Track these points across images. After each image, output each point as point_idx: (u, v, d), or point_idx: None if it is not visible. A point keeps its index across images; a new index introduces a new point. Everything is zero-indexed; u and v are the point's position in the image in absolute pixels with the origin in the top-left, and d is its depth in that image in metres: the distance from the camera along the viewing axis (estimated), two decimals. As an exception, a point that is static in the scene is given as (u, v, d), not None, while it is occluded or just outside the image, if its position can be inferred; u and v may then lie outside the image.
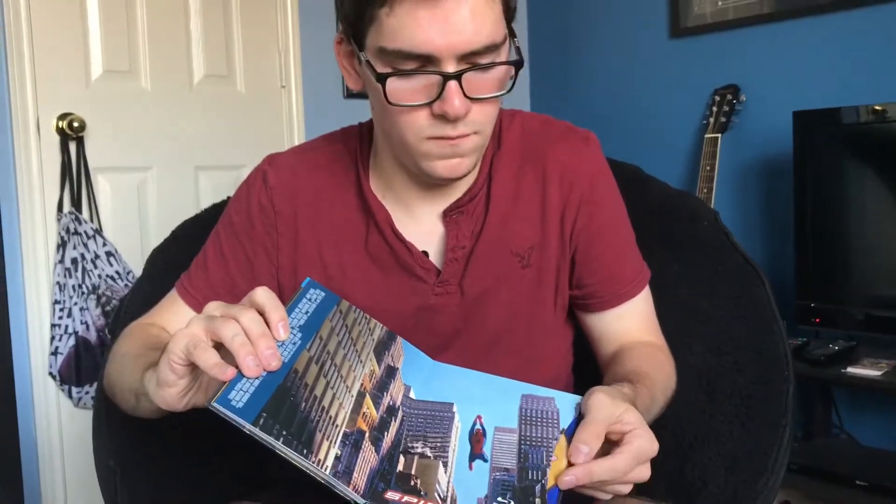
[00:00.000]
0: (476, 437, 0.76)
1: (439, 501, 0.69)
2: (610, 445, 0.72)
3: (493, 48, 0.78)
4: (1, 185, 2.03)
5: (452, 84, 0.77)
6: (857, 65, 2.18)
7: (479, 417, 0.78)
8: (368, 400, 0.74)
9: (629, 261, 1.00)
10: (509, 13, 0.81)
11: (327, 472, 0.64)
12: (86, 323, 2.08)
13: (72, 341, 2.07)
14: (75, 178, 2.11)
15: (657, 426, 0.78)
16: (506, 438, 0.76)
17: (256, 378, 0.65)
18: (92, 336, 2.09)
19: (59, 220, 2.09)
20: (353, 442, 0.69)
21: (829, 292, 2.05)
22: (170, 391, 0.70)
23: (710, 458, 1.02)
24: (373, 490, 0.67)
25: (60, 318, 2.07)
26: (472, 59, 0.78)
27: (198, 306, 0.95)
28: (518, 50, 0.83)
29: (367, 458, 0.69)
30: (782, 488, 1.81)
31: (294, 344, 0.70)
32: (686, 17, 2.56)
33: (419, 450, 0.74)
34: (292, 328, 0.70)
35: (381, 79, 0.78)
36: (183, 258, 1.03)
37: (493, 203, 0.94)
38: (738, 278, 1.12)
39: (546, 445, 0.74)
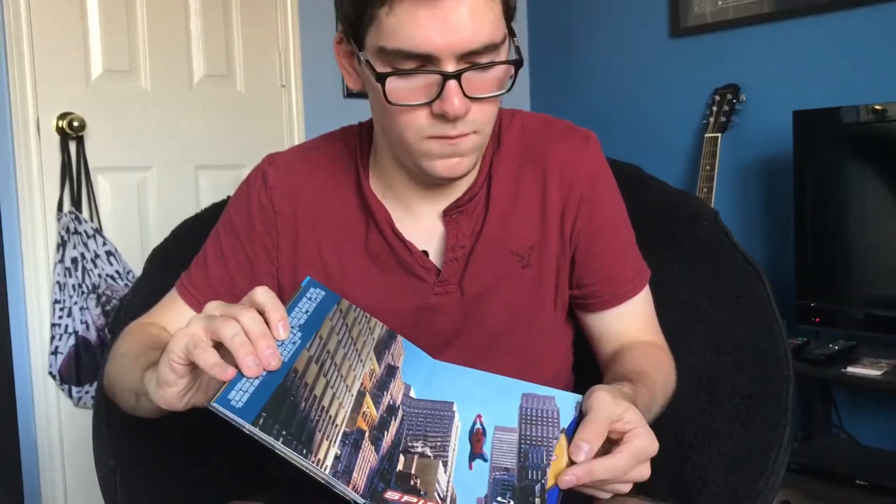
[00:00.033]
0: (476, 437, 0.76)
1: (439, 501, 0.69)
2: (610, 444, 0.72)
3: (492, 47, 0.78)
4: (1, 185, 2.03)
5: (452, 83, 0.77)
6: (857, 64, 2.18)
7: (479, 417, 0.78)
8: (368, 399, 0.74)
9: (629, 260, 1.00)
10: (509, 13, 0.81)
11: (327, 471, 0.64)
12: (86, 322, 2.08)
13: (72, 341, 2.07)
14: (75, 177, 2.11)
15: (657, 425, 0.78)
16: (506, 438, 0.76)
17: (256, 378, 0.65)
18: (92, 335, 2.09)
19: (59, 219, 2.09)
20: (352, 441, 0.69)
21: (829, 292, 2.05)
22: (170, 391, 0.70)
23: (710, 458, 1.02)
24: (373, 490, 0.67)
25: (60, 317, 2.07)
26: (471, 59, 0.78)
27: (198, 306, 0.95)
28: (518, 49, 0.83)
29: (367, 458, 0.69)
30: (782, 488, 1.81)
31: (294, 343, 0.70)
32: (686, 17, 2.56)
33: (419, 449, 0.74)
34: (292, 327, 0.70)
35: (381, 78, 0.78)
36: (183, 258, 1.03)
37: (492, 202, 0.94)
38: (738, 278, 1.12)
39: (546, 445, 0.74)
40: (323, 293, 0.77)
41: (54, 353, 2.07)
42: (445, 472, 0.72)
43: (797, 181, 2.08)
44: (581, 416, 0.74)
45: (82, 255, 2.08)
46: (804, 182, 2.07)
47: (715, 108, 2.36)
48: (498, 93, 0.82)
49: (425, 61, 0.77)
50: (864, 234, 2.00)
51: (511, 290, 0.96)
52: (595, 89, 2.87)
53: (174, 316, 0.96)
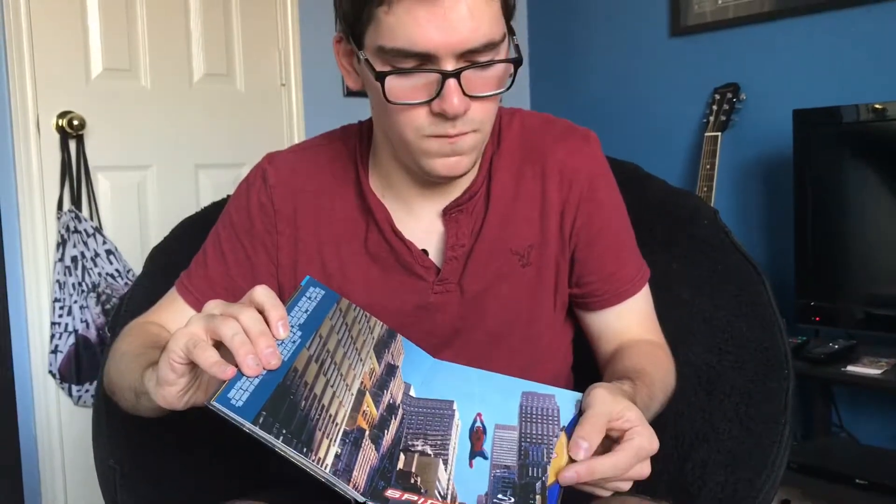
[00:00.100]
0: (476, 435, 0.76)
1: (440, 499, 0.69)
2: (611, 443, 0.72)
3: (491, 46, 0.78)
4: (1, 184, 2.03)
5: (451, 82, 0.77)
6: (857, 63, 2.18)
7: (479, 415, 0.78)
8: (368, 398, 0.74)
9: (629, 259, 1.00)
10: (508, 11, 0.81)
11: (327, 470, 0.64)
12: (86, 321, 2.08)
13: (72, 339, 2.07)
14: (75, 176, 2.11)
15: (657, 424, 0.78)
16: (506, 436, 0.76)
17: (256, 377, 0.65)
18: (92, 334, 2.09)
19: (58, 218, 2.09)
20: (353, 440, 0.69)
21: (829, 291, 2.05)
22: (170, 390, 0.70)
23: (709, 457, 1.02)
24: (373, 488, 0.67)
25: (60, 316, 2.07)
26: (470, 57, 0.78)
27: (197, 305, 0.95)
28: (517, 48, 0.83)
29: (368, 457, 0.69)
30: (782, 487, 1.81)
31: (294, 342, 0.70)
32: (686, 16, 2.56)
33: (419, 448, 0.74)
34: (292, 327, 0.70)
35: (380, 77, 0.78)
36: (183, 257, 1.03)
37: (492, 201, 0.94)
38: (738, 277, 1.12)
39: (546, 442, 0.74)
40: (322, 292, 0.77)
41: (54, 351, 2.07)
42: (446, 470, 0.72)
43: (797, 180, 2.08)
44: (581, 413, 0.74)
45: (82, 253, 2.08)
46: (804, 181, 2.07)
47: (715, 107, 2.36)
48: (497, 91, 0.82)
49: (424, 60, 0.77)
50: (864, 233, 2.00)
51: (511, 289, 0.96)
52: (595, 88, 2.87)
53: (174, 315, 0.96)
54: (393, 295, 0.95)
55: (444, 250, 0.94)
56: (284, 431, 0.63)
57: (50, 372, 2.08)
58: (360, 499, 0.65)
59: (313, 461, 0.63)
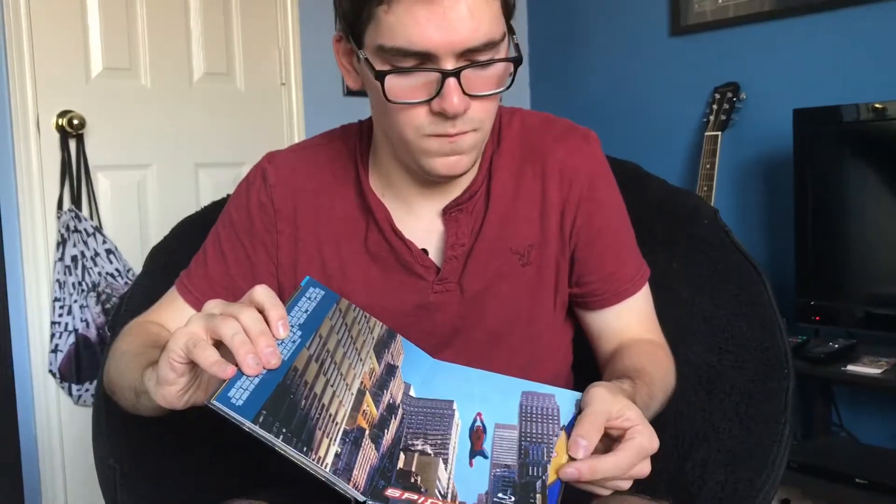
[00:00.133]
0: (476, 434, 0.76)
1: (440, 498, 0.69)
2: (611, 442, 0.72)
3: (491, 45, 0.78)
4: (1, 183, 2.03)
5: (451, 81, 0.77)
6: (858, 62, 2.18)
7: (479, 414, 0.78)
8: (368, 398, 0.74)
9: (629, 259, 1.00)
10: (508, 10, 0.81)
11: (327, 469, 0.64)
12: (86, 320, 2.08)
13: (72, 339, 2.07)
14: (75, 175, 2.11)
15: (657, 424, 0.78)
16: (506, 435, 0.76)
17: (256, 376, 0.65)
18: (92, 334, 2.09)
19: (58, 217, 2.09)
20: (353, 439, 0.69)
21: (829, 290, 2.05)
22: (170, 389, 0.70)
23: (710, 456, 1.02)
24: (373, 487, 0.67)
25: (60, 315, 2.07)
26: (470, 56, 0.78)
27: (197, 304, 0.95)
28: (517, 47, 0.83)
29: (368, 456, 0.69)
30: (782, 486, 1.81)
31: (294, 342, 0.70)
32: (686, 15, 2.56)
33: (419, 447, 0.74)
34: (292, 326, 0.70)
35: (380, 76, 0.78)
36: (183, 256, 1.02)
37: (492, 201, 0.94)
38: (738, 276, 1.12)
39: (546, 442, 0.74)
40: (322, 293, 0.77)
41: (54, 351, 2.07)
42: (446, 469, 0.72)
43: (797, 179, 2.08)
44: (580, 412, 0.74)
45: (82, 253, 2.08)
46: (804, 180, 2.06)
47: (715, 107, 2.36)
48: (497, 90, 0.82)
49: (424, 59, 0.77)
50: (864, 233, 2.00)
51: (511, 288, 0.96)
52: (595, 87, 2.87)
53: (174, 314, 0.96)
54: (393, 294, 0.95)
55: (444, 250, 0.94)
56: (284, 430, 0.63)
57: (50, 371, 2.08)
58: (361, 498, 0.65)
59: (313, 460, 0.63)
